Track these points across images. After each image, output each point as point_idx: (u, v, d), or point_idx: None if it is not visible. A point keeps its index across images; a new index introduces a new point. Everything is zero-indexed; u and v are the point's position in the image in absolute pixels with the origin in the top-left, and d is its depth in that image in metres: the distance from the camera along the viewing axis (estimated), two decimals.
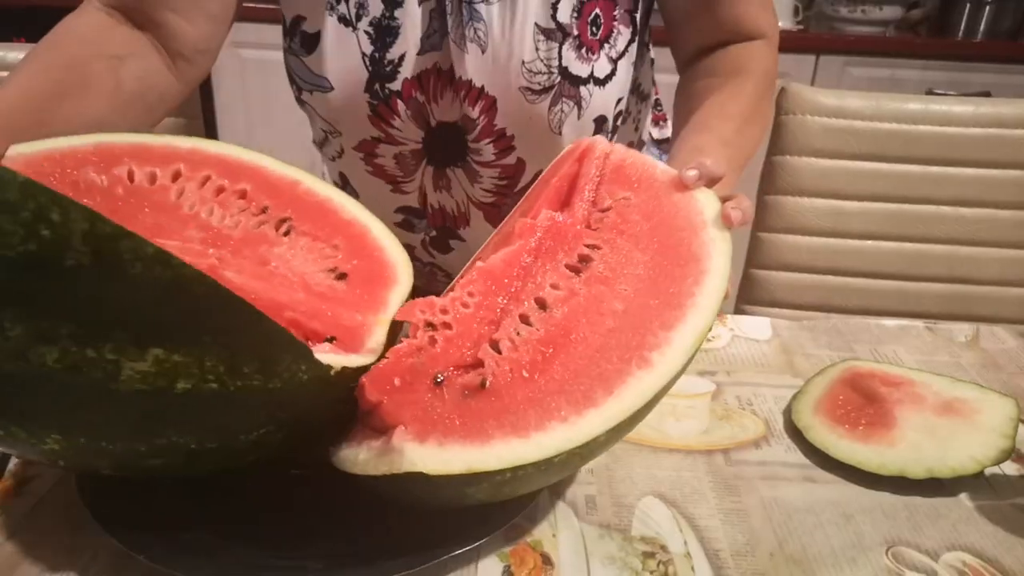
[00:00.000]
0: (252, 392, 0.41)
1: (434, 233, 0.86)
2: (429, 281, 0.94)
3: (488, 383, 0.47)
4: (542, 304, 0.51)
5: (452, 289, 0.52)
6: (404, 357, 0.47)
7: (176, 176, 0.55)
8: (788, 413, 0.67)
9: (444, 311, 0.50)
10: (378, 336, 0.48)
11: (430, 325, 0.49)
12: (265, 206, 0.54)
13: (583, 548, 0.52)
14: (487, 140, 0.77)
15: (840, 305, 0.97)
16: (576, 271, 0.53)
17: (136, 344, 0.38)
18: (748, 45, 0.78)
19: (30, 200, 0.35)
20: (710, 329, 0.48)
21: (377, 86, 0.75)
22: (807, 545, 0.53)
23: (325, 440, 0.47)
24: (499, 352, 0.48)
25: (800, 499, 0.58)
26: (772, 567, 0.51)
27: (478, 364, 0.47)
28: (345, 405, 0.46)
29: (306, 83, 0.77)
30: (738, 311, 1.04)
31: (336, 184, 0.89)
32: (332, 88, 0.75)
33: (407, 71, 0.74)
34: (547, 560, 0.51)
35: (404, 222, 0.87)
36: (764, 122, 0.76)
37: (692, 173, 0.54)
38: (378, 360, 0.47)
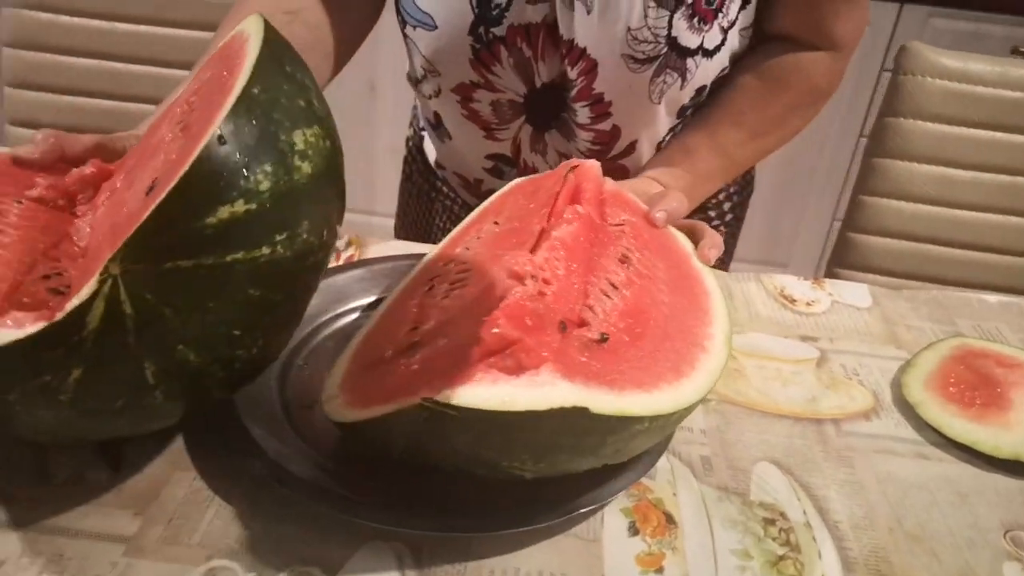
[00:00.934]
0: None
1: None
2: None
3: (607, 339, 0.47)
4: (612, 284, 0.52)
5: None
6: (525, 302, 0.47)
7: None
8: (897, 386, 0.66)
9: (541, 268, 0.50)
10: (82, 294, 0.39)
11: (533, 278, 0.49)
12: (192, 103, 0.48)
13: (704, 509, 0.53)
14: (584, 103, 0.75)
15: (936, 275, 0.95)
16: (624, 264, 0.55)
17: None
18: (808, 56, 0.76)
19: None
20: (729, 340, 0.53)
21: (482, 29, 0.73)
22: (924, 523, 0.53)
23: None
24: (596, 315, 0.49)
25: (914, 475, 0.58)
26: (892, 543, 0.52)
27: (583, 322, 0.48)
28: None
29: (411, 17, 0.75)
30: (830, 274, 1.02)
31: (429, 122, 0.88)
32: (436, 27, 0.74)
33: (514, 17, 0.72)
34: (670, 519, 0.52)
35: (494, 168, 0.85)
36: (784, 133, 0.80)
37: (660, 215, 0.60)
38: (81, 317, 0.38)
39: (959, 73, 0.86)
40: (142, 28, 0.96)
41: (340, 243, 0.78)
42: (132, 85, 0.98)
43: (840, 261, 0.98)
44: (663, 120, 0.78)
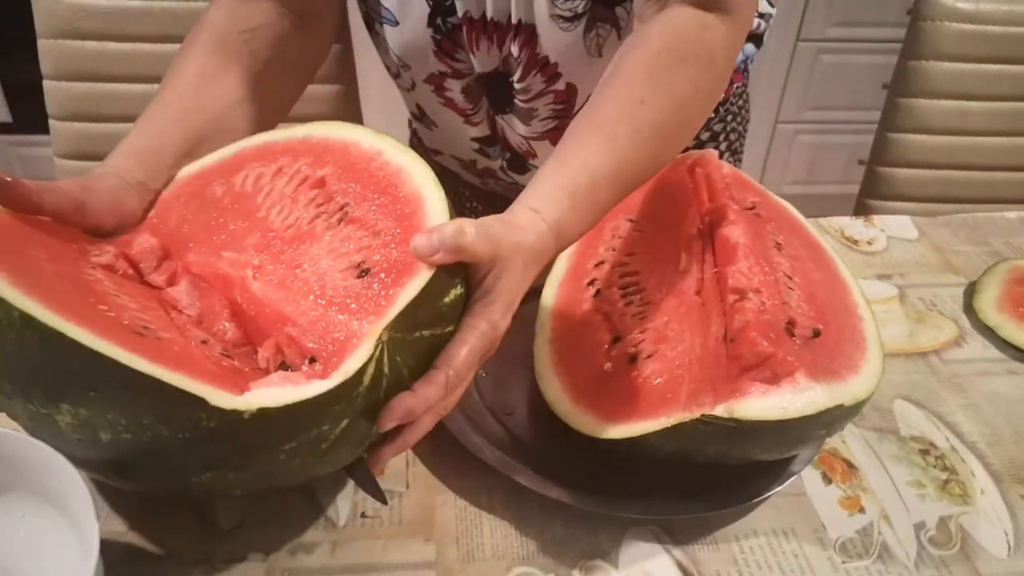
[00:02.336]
0: (166, 441, 0.41)
1: (508, 155, 0.86)
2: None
3: (820, 334, 0.55)
4: (786, 274, 0.60)
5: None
6: (760, 315, 0.54)
7: (277, 172, 0.57)
8: (971, 312, 0.77)
9: (749, 278, 0.57)
10: (358, 355, 0.44)
11: (756, 291, 0.56)
12: (333, 192, 0.54)
13: (871, 451, 0.62)
14: (534, 71, 0.75)
15: (958, 196, 1.07)
16: (779, 249, 0.62)
17: (51, 401, 0.42)
18: (703, 19, 0.60)
19: None
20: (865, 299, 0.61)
21: (439, 20, 0.74)
22: None
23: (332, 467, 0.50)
24: (797, 308, 0.56)
25: (1012, 390, 0.69)
26: (1021, 452, 0.63)
27: (792, 321, 0.55)
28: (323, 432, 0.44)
29: (376, 13, 0.76)
30: (861, 205, 1.13)
31: (414, 115, 0.89)
32: (398, 22, 0.75)
33: (468, 3, 0.71)
34: (850, 464, 0.61)
35: (480, 150, 0.87)
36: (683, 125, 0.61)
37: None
38: (361, 374, 0.44)
39: (972, 15, 0.96)
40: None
41: None
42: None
43: (871, 192, 1.09)
44: (606, 60, 0.73)
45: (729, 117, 0.91)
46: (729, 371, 0.51)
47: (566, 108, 0.79)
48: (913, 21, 0.99)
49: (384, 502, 0.55)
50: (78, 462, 0.46)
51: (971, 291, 0.80)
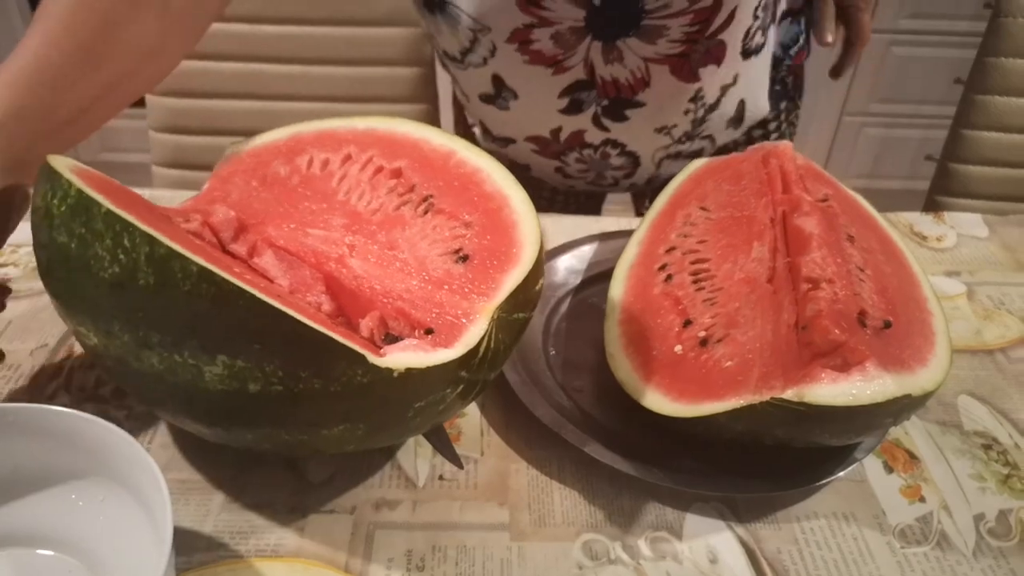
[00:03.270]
0: (315, 394, 0.45)
1: (606, 103, 0.84)
2: (598, 177, 0.94)
3: (891, 325, 0.56)
4: (858, 266, 0.60)
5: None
6: (833, 304, 0.55)
7: (346, 159, 0.60)
8: None
9: (823, 268, 0.58)
10: (476, 329, 0.49)
11: (829, 281, 0.58)
12: (413, 184, 0.57)
13: (934, 443, 0.64)
14: None
15: None
16: (851, 242, 0.63)
17: (206, 351, 0.45)
18: None
19: (110, 228, 0.45)
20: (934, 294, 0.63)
21: None
22: None
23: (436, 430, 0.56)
24: (868, 300, 0.58)
25: None
26: None
27: (863, 311, 0.56)
28: (445, 392, 0.49)
29: None
30: (931, 201, 1.12)
31: (485, 97, 0.87)
32: None
33: None
34: (912, 455, 0.62)
35: (571, 104, 0.84)
36: None
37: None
38: (478, 346, 0.48)
39: None
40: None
41: None
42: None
43: (942, 189, 1.09)
44: None
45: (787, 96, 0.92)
46: (800, 357, 0.52)
47: (702, 29, 0.77)
48: (994, 17, 0.98)
49: (460, 466, 0.58)
50: (202, 416, 0.50)
51: None
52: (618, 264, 0.71)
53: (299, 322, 0.43)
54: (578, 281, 0.76)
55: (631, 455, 0.57)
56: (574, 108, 0.86)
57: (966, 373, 0.70)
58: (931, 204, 1.10)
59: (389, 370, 0.45)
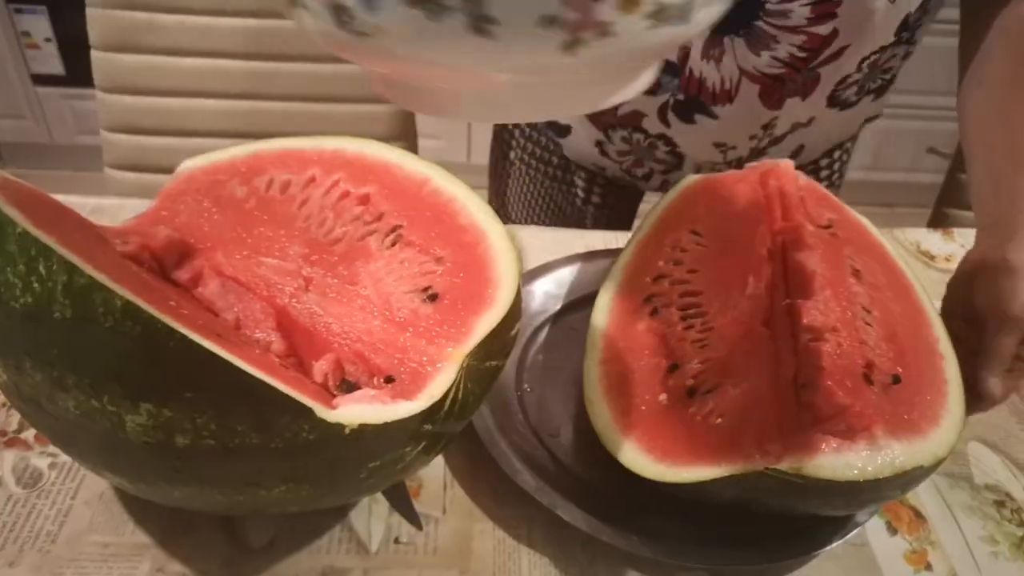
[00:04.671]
0: (253, 451, 0.40)
1: (681, 97, 0.79)
2: (635, 164, 0.89)
3: (900, 380, 0.50)
4: (864, 307, 0.54)
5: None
6: (836, 359, 0.49)
7: (309, 182, 0.54)
8: None
9: (825, 315, 0.52)
10: (442, 379, 0.43)
11: (833, 331, 0.52)
12: (382, 212, 0.52)
13: (942, 499, 0.58)
14: (805, 1, 0.68)
15: None
16: (856, 279, 0.57)
17: (128, 397, 0.39)
18: None
19: (24, 252, 0.39)
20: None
21: None
22: None
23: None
24: (874, 349, 0.52)
25: None
26: None
27: (870, 364, 0.51)
28: (404, 451, 0.44)
29: None
30: (939, 215, 1.06)
31: None
32: None
33: None
34: (918, 514, 0.57)
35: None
36: None
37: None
38: (444, 398, 0.43)
39: None
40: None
41: None
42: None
43: (949, 201, 1.02)
44: (880, 29, 0.73)
45: None
46: (799, 419, 0.47)
47: (809, 57, 0.73)
48: None
49: (420, 527, 0.53)
50: (123, 471, 0.44)
51: None
52: (601, 291, 0.65)
53: (236, 368, 0.38)
54: (558, 307, 0.70)
55: (609, 515, 0.52)
56: (650, 89, 0.80)
57: (977, 417, 0.64)
58: (939, 218, 1.03)
59: (340, 426, 0.40)
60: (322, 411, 0.39)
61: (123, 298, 0.38)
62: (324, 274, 0.51)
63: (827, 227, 0.61)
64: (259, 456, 0.40)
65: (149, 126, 0.93)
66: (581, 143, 0.90)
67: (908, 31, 0.75)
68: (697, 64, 0.76)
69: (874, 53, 0.76)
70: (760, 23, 0.71)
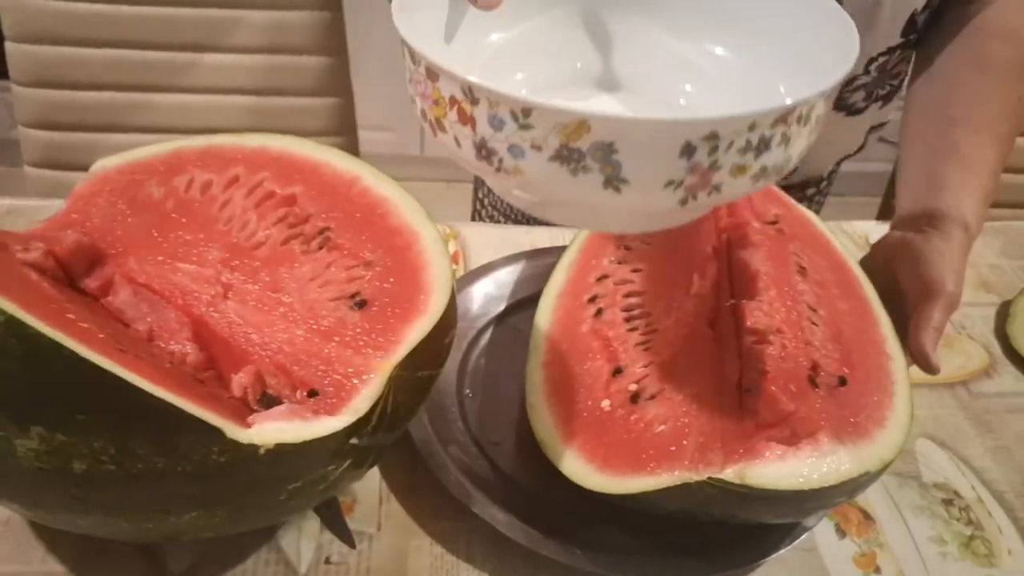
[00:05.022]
0: (159, 476, 0.37)
1: None
2: None
3: (846, 382, 0.49)
4: (809, 306, 0.53)
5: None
6: (781, 363, 0.48)
7: (232, 182, 0.52)
8: (1003, 337, 0.71)
9: (770, 315, 0.51)
10: (368, 392, 0.41)
11: (778, 332, 0.50)
12: (309, 214, 0.50)
13: (891, 499, 0.57)
14: None
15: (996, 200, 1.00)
16: (802, 276, 0.56)
17: (16, 421, 0.36)
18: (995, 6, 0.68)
19: None
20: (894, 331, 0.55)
21: None
22: None
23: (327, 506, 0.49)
24: (819, 349, 0.50)
25: None
26: None
27: (815, 366, 0.49)
28: (331, 467, 0.41)
29: None
30: (889, 207, 1.06)
31: None
32: None
33: None
34: (867, 515, 0.56)
35: None
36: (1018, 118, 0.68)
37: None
38: (371, 412, 0.40)
39: None
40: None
41: None
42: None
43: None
44: (887, 28, 0.73)
45: None
46: (743, 426, 0.45)
47: None
48: None
49: (352, 545, 0.50)
50: (18, 498, 0.41)
51: (1004, 313, 0.74)
52: (545, 291, 0.62)
53: (132, 386, 0.35)
54: (501, 308, 0.68)
55: (551, 527, 0.50)
56: None
57: (925, 412, 0.64)
58: (889, 210, 1.03)
59: (253, 446, 0.37)
60: (233, 431, 0.37)
61: (5, 312, 0.34)
62: (245, 280, 0.48)
63: (773, 223, 0.60)
64: (165, 481, 0.37)
65: (68, 121, 0.88)
66: None
67: (915, 32, 0.74)
68: None
69: (882, 55, 0.76)
70: None
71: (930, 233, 0.59)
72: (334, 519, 0.51)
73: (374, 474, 0.55)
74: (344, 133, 0.93)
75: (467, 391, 0.61)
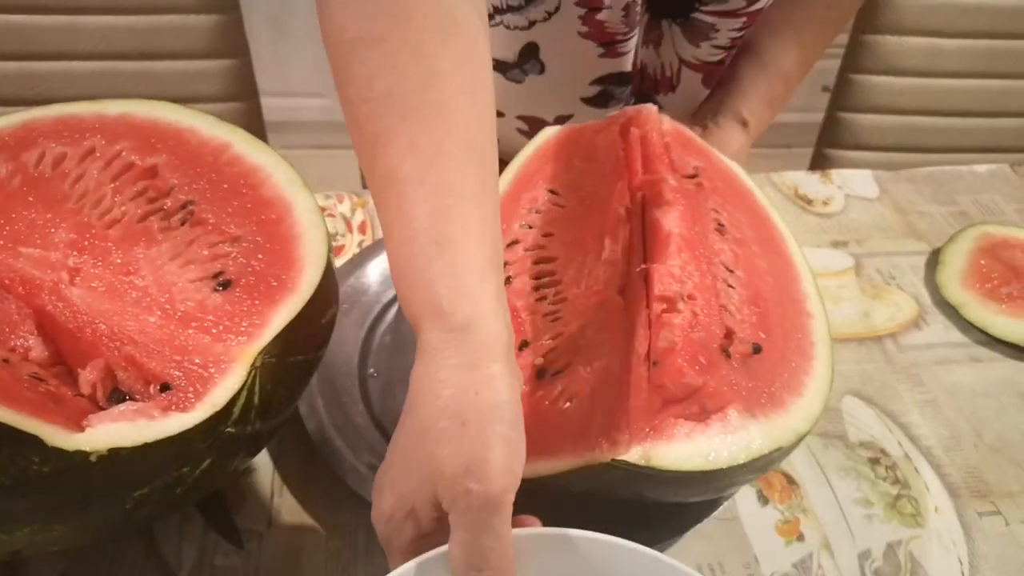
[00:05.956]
0: None
1: (633, 101, 0.76)
2: None
3: (761, 350, 0.46)
4: (726, 267, 0.50)
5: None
6: (690, 332, 0.45)
7: (87, 154, 0.47)
8: (933, 287, 0.69)
9: (682, 281, 0.47)
10: (227, 383, 0.37)
11: (686, 299, 0.47)
12: (171, 186, 0.45)
13: (815, 461, 0.55)
14: None
15: (922, 144, 0.98)
16: (720, 233, 0.53)
17: None
18: None
19: None
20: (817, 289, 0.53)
21: None
22: (1000, 432, 0.58)
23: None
24: (734, 316, 0.47)
25: (975, 382, 0.61)
26: (980, 459, 0.56)
27: (729, 333, 0.46)
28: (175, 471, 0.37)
29: None
30: (820, 156, 1.03)
31: (502, 65, 0.73)
32: None
33: None
34: (790, 480, 0.53)
35: (600, 95, 0.74)
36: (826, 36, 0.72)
37: None
38: (231, 404, 0.37)
39: None
40: None
41: (345, 208, 0.71)
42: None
43: (831, 141, 0.99)
44: None
45: None
46: (650, 402, 0.42)
47: (744, 37, 0.72)
48: None
49: (239, 546, 0.46)
50: None
51: (934, 261, 0.72)
52: None
53: None
54: None
55: None
56: (602, 100, 0.74)
57: (852, 368, 0.62)
58: (820, 159, 1.01)
59: (82, 453, 0.33)
60: (56, 437, 0.32)
61: None
62: (95, 263, 0.43)
63: (692, 176, 0.56)
64: None
65: None
66: (513, 153, 0.83)
67: None
68: (641, 51, 0.72)
69: None
70: (697, 15, 0.68)
71: (710, 128, 0.65)
72: (219, 518, 0.47)
73: (266, 466, 0.51)
74: (243, 99, 0.87)
75: (371, 370, 0.57)
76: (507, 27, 0.70)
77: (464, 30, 0.40)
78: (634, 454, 0.39)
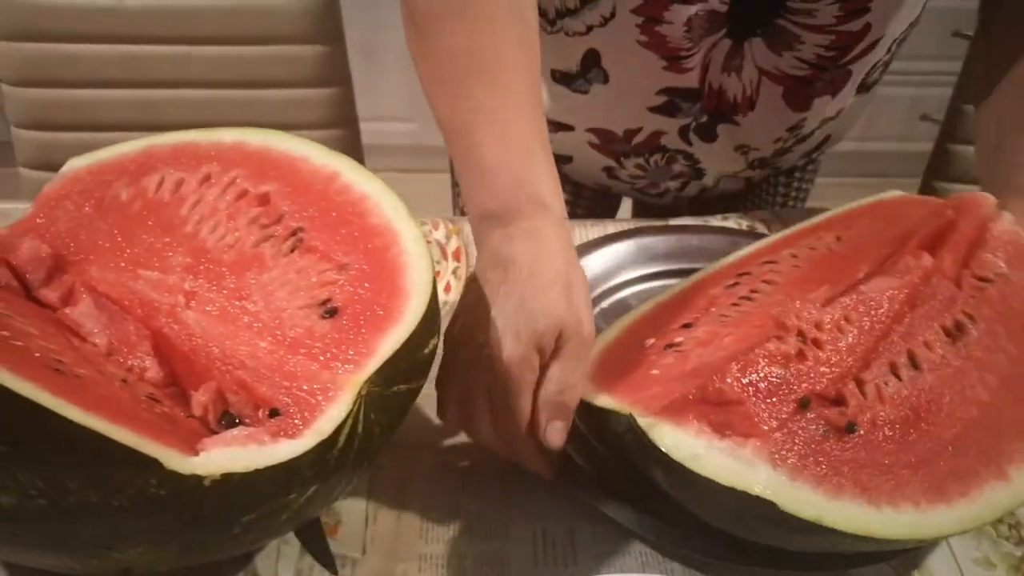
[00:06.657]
0: (94, 510, 0.34)
1: (705, 119, 0.73)
2: (649, 186, 0.83)
3: (856, 430, 0.43)
4: (913, 360, 0.46)
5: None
6: (772, 361, 0.43)
7: (203, 180, 0.48)
8: None
9: (819, 326, 0.45)
10: (334, 411, 0.37)
11: (801, 335, 0.45)
12: (281, 214, 0.46)
13: None
14: (832, 1, 0.63)
15: None
16: (951, 338, 0.48)
17: None
18: None
19: None
20: None
21: None
22: None
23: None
24: (864, 396, 0.44)
25: None
26: None
27: (840, 400, 0.44)
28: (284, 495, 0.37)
29: None
30: (927, 187, 0.99)
31: (559, 74, 0.73)
32: None
33: None
34: None
35: (666, 105, 0.73)
36: None
37: None
38: (337, 434, 0.37)
39: None
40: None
41: (440, 234, 0.72)
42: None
43: (937, 173, 0.95)
44: (910, 8, 0.68)
45: None
46: (686, 387, 0.42)
47: (838, 56, 0.68)
48: None
49: (335, 572, 0.46)
50: None
51: None
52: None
53: (56, 416, 0.31)
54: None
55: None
56: (669, 110, 0.73)
57: None
58: (927, 190, 0.96)
59: (197, 477, 0.34)
60: (173, 460, 0.33)
61: None
62: (209, 288, 0.44)
63: (985, 279, 0.51)
64: (102, 516, 0.34)
65: (60, 120, 0.86)
66: (587, 168, 0.83)
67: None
68: (717, 77, 0.70)
69: (903, 32, 0.71)
70: (782, 22, 0.66)
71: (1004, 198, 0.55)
72: (315, 543, 0.47)
73: (360, 493, 0.51)
74: (343, 125, 0.89)
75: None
76: (567, 33, 0.70)
77: (524, 18, 0.51)
78: (643, 420, 0.41)
